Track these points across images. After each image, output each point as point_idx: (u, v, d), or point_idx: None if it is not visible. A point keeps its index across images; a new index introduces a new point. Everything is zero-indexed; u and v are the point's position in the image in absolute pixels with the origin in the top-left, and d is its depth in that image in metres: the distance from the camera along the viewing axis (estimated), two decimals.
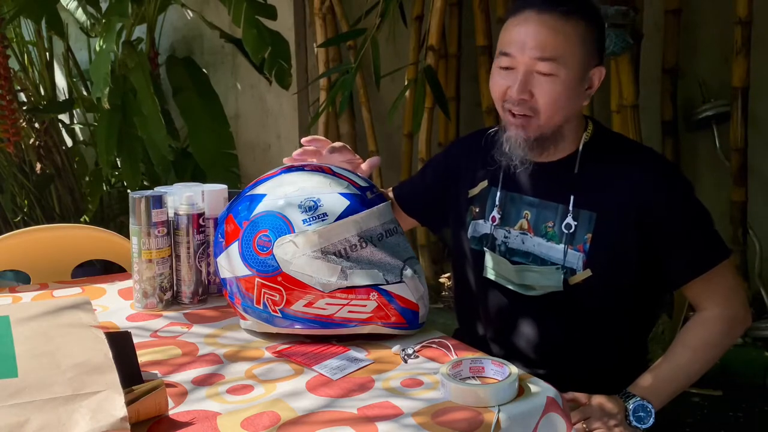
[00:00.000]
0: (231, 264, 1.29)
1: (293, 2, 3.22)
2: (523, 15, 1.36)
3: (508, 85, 1.38)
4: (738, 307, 1.44)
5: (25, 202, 3.54)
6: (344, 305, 1.24)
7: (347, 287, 1.23)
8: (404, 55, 3.22)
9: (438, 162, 1.69)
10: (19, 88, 3.47)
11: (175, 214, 1.46)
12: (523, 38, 1.35)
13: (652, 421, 1.35)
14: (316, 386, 1.11)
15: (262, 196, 1.28)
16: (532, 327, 1.46)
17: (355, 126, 3.33)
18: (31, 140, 3.43)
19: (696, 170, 3.28)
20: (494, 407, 1.03)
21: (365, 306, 1.25)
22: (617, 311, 1.44)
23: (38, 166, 3.45)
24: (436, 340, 1.27)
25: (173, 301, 1.49)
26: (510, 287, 1.46)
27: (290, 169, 1.33)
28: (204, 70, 3.44)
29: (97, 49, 2.88)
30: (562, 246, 1.42)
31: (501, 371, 1.10)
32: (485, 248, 1.50)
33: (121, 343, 1.07)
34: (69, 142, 3.73)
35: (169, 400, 1.04)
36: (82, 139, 3.87)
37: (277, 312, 1.26)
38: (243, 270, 1.27)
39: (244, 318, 1.32)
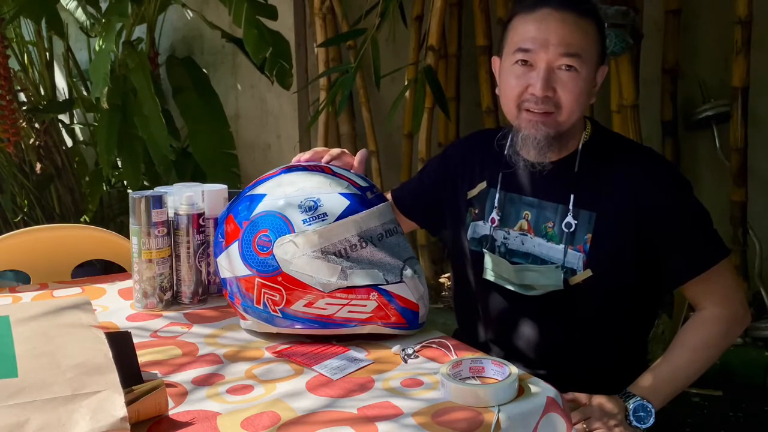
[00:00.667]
0: (231, 264, 1.29)
1: (293, 2, 3.22)
2: (540, 12, 1.37)
3: (527, 84, 1.37)
4: (737, 307, 1.44)
5: (25, 202, 3.54)
6: (344, 305, 1.24)
7: (347, 287, 1.23)
8: (404, 55, 3.22)
9: (436, 164, 1.69)
10: (19, 88, 3.47)
11: (175, 214, 1.46)
12: (545, 35, 1.35)
13: (652, 420, 1.35)
14: (316, 386, 1.11)
15: (262, 196, 1.28)
16: (532, 327, 1.46)
17: (355, 126, 3.33)
18: (31, 140, 3.43)
19: (696, 170, 3.28)
20: (494, 407, 1.03)
21: (365, 306, 1.25)
22: (617, 311, 1.44)
23: (38, 166, 3.45)
24: (436, 340, 1.27)
25: (173, 301, 1.49)
26: (510, 288, 1.45)
27: (290, 169, 1.33)
28: (204, 70, 3.44)
29: (97, 49, 2.88)
30: (562, 246, 1.42)
31: (501, 371, 1.10)
32: (484, 249, 1.50)
33: (121, 343, 1.07)
34: (69, 142, 3.73)
35: (169, 400, 1.04)
36: (82, 139, 3.87)
37: (277, 312, 1.26)
38: (243, 270, 1.27)
39: (244, 318, 1.32)
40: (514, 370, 1.09)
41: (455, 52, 3.33)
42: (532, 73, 1.37)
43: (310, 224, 1.23)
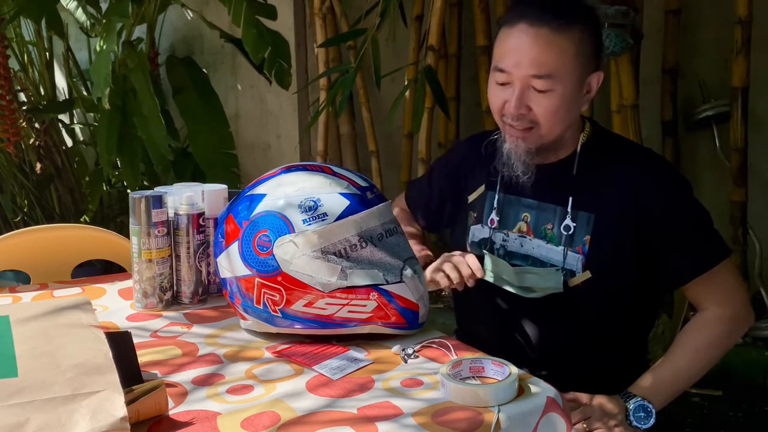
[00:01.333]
0: (231, 264, 1.29)
1: (293, 2, 3.21)
2: (517, 27, 1.34)
3: (505, 99, 1.37)
4: (739, 307, 1.44)
5: (25, 202, 3.54)
6: (344, 305, 1.24)
7: (347, 287, 1.23)
8: (404, 55, 3.21)
9: (440, 168, 1.70)
10: (19, 88, 3.47)
11: (175, 214, 1.46)
12: (518, 55, 1.34)
13: (652, 421, 1.35)
14: (316, 386, 1.11)
15: (262, 196, 1.28)
16: (532, 329, 1.46)
17: (355, 126, 3.33)
18: (31, 140, 3.43)
19: (696, 170, 3.28)
20: (494, 407, 1.03)
21: (365, 306, 1.25)
22: (617, 312, 1.44)
23: (38, 166, 3.44)
24: (436, 340, 1.27)
25: (173, 301, 1.49)
26: (510, 290, 1.45)
27: (290, 169, 1.33)
28: (204, 70, 3.43)
29: (98, 49, 2.88)
30: (561, 248, 1.42)
31: (501, 371, 1.10)
32: (485, 251, 1.50)
33: (121, 343, 1.07)
34: (69, 142, 3.73)
35: (169, 400, 1.04)
36: (82, 139, 3.87)
37: (277, 312, 1.26)
38: (243, 270, 1.26)
39: (244, 318, 1.32)
40: (514, 370, 1.09)
41: (455, 52, 3.33)
42: (509, 89, 1.36)
43: (309, 224, 1.23)
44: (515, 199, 1.49)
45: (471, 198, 1.57)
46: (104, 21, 2.96)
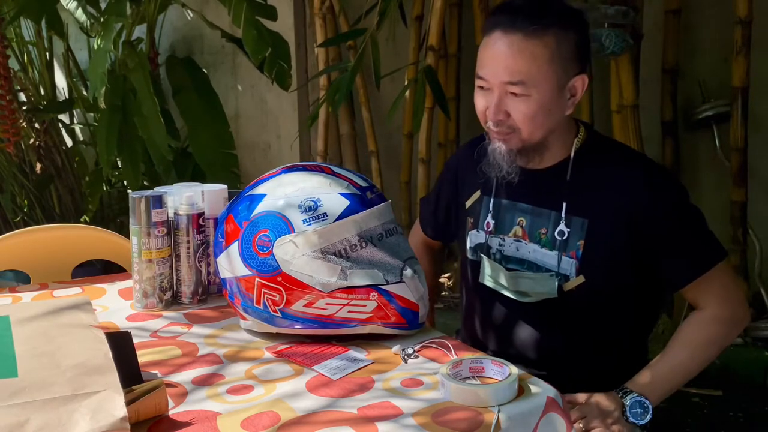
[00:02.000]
0: (231, 264, 1.28)
1: (293, 2, 3.21)
2: (493, 35, 1.35)
3: (486, 105, 1.39)
4: (736, 307, 1.44)
5: (25, 202, 3.54)
6: (344, 305, 1.24)
7: (347, 287, 1.23)
8: (404, 55, 3.21)
9: (443, 180, 1.71)
10: (19, 88, 3.47)
11: (175, 214, 1.46)
12: (493, 61, 1.35)
13: (649, 416, 1.35)
14: (316, 386, 1.11)
15: (262, 196, 1.28)
16: (530, 332, 1.47)
17: (355, 126, 3.33)
18: (31, 140, 3.43)
19: (696, 170, 3.28)
20: (494, 407, 1.03)
21: (365, 306, 1.25)
22: (614, 315, 1.45)
23: (38, 166, 3.44)
24: (436, 340, 1.27)
25: (173, 301, 1.49)
26: (506, 294, 1.46)
27: (290, 169, 1.33)
28: (204, 70, 3.43)
29: (95, 48, 2.88)
30: (555, 253, 1.42)
31: (501, 371, 1.10)
32: (482, 254, 1.51)
33: (121, 343, 1.07)
34: (69, 142, 3.73)
35: (169, 400, 1.04)
36: (82, 139, 3.87)
37: (277, 312, 1.26)
38: (243, 270, 1.26)
39: (244, 318, 1.32)
40: (514, 370, 1.09)
41: (455, 52, 3.33)
42: (490, 95, 1.38)
43: (309, 224, 1.23)
44: (510, 204, 1.49)
45: (468, 203, 1.57)
46: (102, 21, 2.96)
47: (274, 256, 1.24)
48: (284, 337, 1.30)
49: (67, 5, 3.39)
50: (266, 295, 1.26)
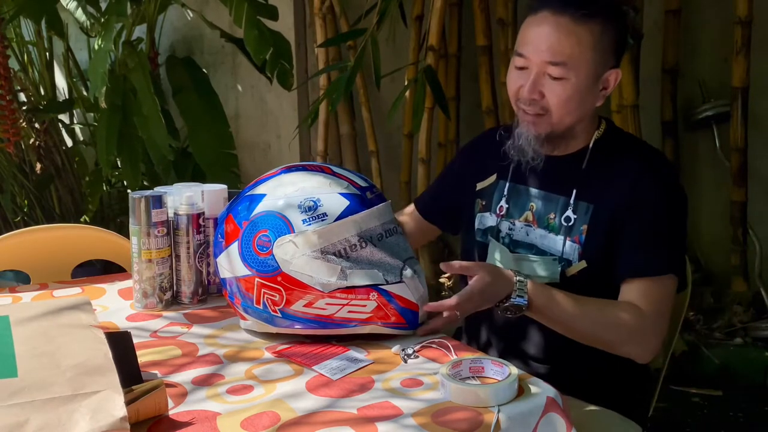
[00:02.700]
0: (231, 264, 1.29)
1: (293, 2, 3.21)
2: (540, 15, 1.38)
3: (521, 84, 1.40)
4: (651, 335, 1.36)
5: (25, 202, 3.54)
6: (344, 305, 1.24)
7: (347, 287, 1.23)
8: (404, 55, 3.21)
9: (453, 164, 1.72)
10: (19, 88, 3.46)
11: (175, 214, 1.46)
12: (537, 40, 1.37)
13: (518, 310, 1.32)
14: (316, 386, 1.11)
15: (262, 196, 1.28)
16: (531, 319, 1.46)
17: (355, 126, 3.33)
18: (31, 140, 3.43)
19: (696, 170, 3.28)
20: (494, 407, 1.03)
21: (365, 306, 1.25)
22: None
23: (38, 166, 3.44)
24: (436, 340, 1.27)
25: (173, 301, 1.49)
26: None
27: (290, 169, 1.33)
28: (204, 70, 3.43)
29: (96, 48, 2.88)
30: (561, 237, 1.43)
31: (501, 371, 1.10)
32: (490, 237, 1.51)
33: (121, 343, 1.07)
34: (69, 142, 3.73)
35: (169, 400, 1.04)
36: (82, 139, 3.87)
37: (276, 312, 1.26)
38: (243, 270, 1.27)
39: (244, 318, 1.32)
40: (513, 370, 1.09)
41: (455, 52, 3.33)
42: (526, 74, 1.40)
43: (309, 224, 1.23)
44: (524, 189, 1.51)
45: (480, 186, 1.58)
46: (103, 21, 2.96)
47: (273, 256, 1.24)
48: (284, 337, 1.30)
49: (67, 5, 3.39)
50: (266, 295, 1.26)
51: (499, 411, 1.02)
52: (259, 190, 1.30)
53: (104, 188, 3.46)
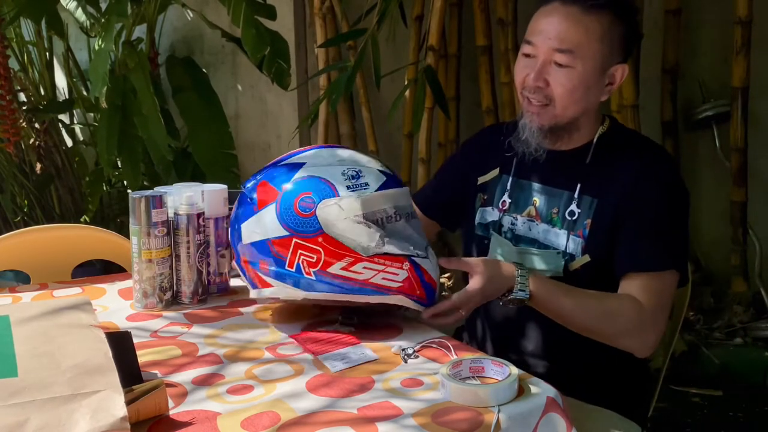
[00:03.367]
0: (263, 227, 1.31)
1: (293, 2, 3.21)
2: (551, 5, 1.40)
3: (527, 73, 1.42)
4: (650, 329, 1.36)
5: (25, 202, 3.54)
6: (380, 271, 1.28)
7: (384, 253, 1.27)
8: (404, 55, 3.21)
9: (454, 159, 1.74)
10: (19, 88, 3.46)
11: (175, 214, 1.46)
12: (546, 28, 1.39)
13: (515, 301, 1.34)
14: (316, 386, 1.11)
15: (301, 164, 1.32)
16: (532, 314, 1.46)
17: (355, 126, 3.33)
18: (31, 140, 3.43)
19: (696, 170, 3.28)
20: (494, 407, 1.03)
21: (397, 275, 1.28)
22: None
23: (38, 166, 3.44)
24: (436, 340, 1.27)
25: (173, 301, 1.49)
26: None
27: (323, 147, 1.39)
28: (204, 70, 3.43)
29: (96, 48, 2.88)
30: (564, 232, 1.43)
31: (501, 371, 1.10)
32: (492, 231, 1.52)
33: (121, 343, 1.07)
34: (69, 142, 3.73)
35: (169, 400, 1.04)
36: (82, 139, 3.87)
37: (311, 274, 1.28)
38: (279, 231, 1.29)
39: (266, 285, 1.32)
40: (514, 370, 1.09)
41: (455, 52, 3.33)
42: (533, 62, 1.41)
43: (353, 191, 1.27)
44: (527, 184, 1.51)
45: (482, 180, 1.58)
46: (103, 21, 2.96)
47: (316, 217, 1.27)
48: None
49: (67, 5, 3.39)
50: (302, 257, 1.28)
51: (499, 411, 1.02)
52: (295, 160, 1.34)
53: (104, 188, 3.46)
